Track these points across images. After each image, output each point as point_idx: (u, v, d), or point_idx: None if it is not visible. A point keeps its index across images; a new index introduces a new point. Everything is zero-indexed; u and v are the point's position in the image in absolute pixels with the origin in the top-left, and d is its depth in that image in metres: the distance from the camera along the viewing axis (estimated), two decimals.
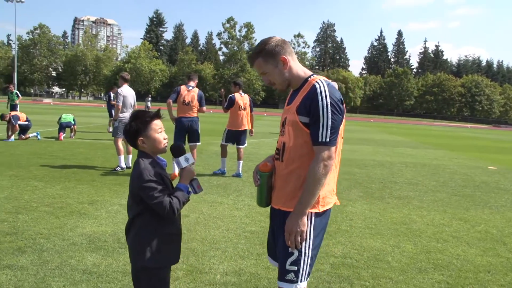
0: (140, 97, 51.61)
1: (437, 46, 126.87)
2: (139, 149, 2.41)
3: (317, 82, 2.29)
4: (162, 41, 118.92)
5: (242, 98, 9.20)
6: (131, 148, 9.26)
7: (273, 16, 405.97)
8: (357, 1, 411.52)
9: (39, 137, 14.02)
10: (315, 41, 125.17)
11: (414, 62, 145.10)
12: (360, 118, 70.38)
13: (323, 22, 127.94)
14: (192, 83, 8.89)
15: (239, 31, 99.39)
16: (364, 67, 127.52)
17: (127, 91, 8.78)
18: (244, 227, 5.38)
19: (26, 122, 13.81)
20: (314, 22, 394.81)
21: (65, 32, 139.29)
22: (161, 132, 2.41)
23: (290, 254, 2.28)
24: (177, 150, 2.47)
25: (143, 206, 2.30)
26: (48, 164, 9.06)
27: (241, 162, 9.15)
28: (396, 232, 5.53)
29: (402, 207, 6.94)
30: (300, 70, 2.42)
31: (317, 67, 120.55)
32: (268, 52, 2.35)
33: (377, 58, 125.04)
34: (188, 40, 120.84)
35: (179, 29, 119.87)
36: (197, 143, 8.87)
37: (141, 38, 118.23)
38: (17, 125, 13.48)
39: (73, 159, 9.91)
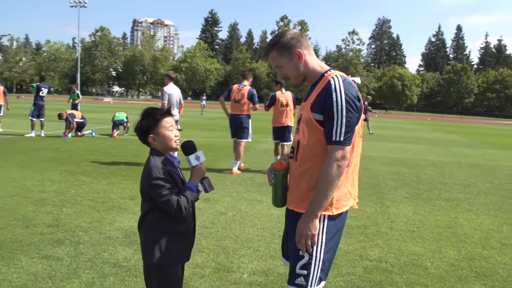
0: (195, 95, 52.63)
1: (499, 41, 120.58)
2: (150, 147, 2.41)
3: (332, 78, 2.19)
4: (217, 40, 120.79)
5: (283, 95, 9.21)
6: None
7: (327, 14, 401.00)
8: None
9: (93, 134, 14.61)
10: (370, 38, 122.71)
11: (475, 57, 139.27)
12: (416, 116, 68.15)
13: (379, 19, 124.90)
14: (246, 82, 9.09)
15: (293, 29, 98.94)
16: (421, 63, 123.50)
17: (172, 89, 8.96)
18: (280, 226, 5.31)
19: (82, 120, 14.43)
20: (369, 18, 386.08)
21: (124, 34, 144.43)
22: (172, 130, 2.40)
23: (301, 258, 2.20)
24: (188, 148, 2.44)
25: (152, 204, 2.30)
26: (98, 160, 9.41)
27: None
28: (439, 236, 5.27)
29: (449, 210, 6.61)
30: (317, 64, 2.33)
31: (372, 64, 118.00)
32: (283, 45, 2.28)
33: (435, 54, 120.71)
34: (242, 39, 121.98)
35: (233, 28, 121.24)
36: (243, 140, 8.94)
37: (197, 38, 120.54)
38: (74, 123, 14.12)
39: (122, 156, 10.24)
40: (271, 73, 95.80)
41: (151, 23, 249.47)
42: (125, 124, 15.59)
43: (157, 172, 2.25)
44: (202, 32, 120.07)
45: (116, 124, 15.16)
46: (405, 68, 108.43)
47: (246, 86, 8.95)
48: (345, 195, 2.27)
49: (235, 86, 9.05)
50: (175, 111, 8.97)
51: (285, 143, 9.21)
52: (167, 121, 2.39)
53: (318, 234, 2.20)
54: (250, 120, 9.06)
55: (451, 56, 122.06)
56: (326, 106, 2.13)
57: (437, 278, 4.00)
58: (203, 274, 3.76)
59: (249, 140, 9.17)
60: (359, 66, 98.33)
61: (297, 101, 8.69)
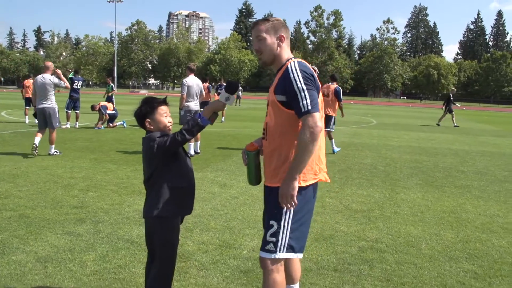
0: None
1: None
2: (146, 130, 2.76)
3: (290, 63, 2.49)
4: None
5: (327, 87, 10.49)
6: (199, 135, 9.85)
7: (361, 3, 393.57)
8: None
9: (125, 125, 15.26)
10: (406, 27, 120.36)
11: None
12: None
13: (415, 6, 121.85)
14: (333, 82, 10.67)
15: (327, 19, 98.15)
16: (458, 52, 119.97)
17: (192, 81, 9.34)
18: None
19: (113, 112, 15.09)
20: (405, 7, 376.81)
21: (160, 27, 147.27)
22: (166, 116, 2.75)
23: (270, 227, 2.50)
24: (230, 86, 2.69)
25: (154, 167, 2.66)
26: (125, 149, 9.97)
27: (333, 140, 10.83)
28: (441, 220, 5.45)
29: (458, 196, 6.74)
30: (286, 54, 2.62)
31: (407, 53, 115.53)
32: (273, 24, 2.59)
33: (473, 42, 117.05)
34: None
35: None
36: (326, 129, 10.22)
37: (231, 30, 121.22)
38: (106, 114, 14.79)
39: None
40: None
41: (187, 16, 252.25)
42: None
43: (155, 135, 2.65)
44: (236, 24, 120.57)
45: None
46: (442, 56, 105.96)
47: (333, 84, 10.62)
48: (312, 169, 2.55)
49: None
50: (195, 102, 9.37)
51: (327, 129, 10.32)
52: (162, 109, 2.74)
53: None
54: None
55: (490, 43, 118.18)
56: (287, 87, 2.42)
57: (428, 258, 4.21)
58: (206, 250, 4.12)
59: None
60: (394, 55, 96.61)
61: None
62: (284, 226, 2.49)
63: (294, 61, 2.50)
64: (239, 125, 17.99)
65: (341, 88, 10.68)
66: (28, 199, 5.63)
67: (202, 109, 16.82)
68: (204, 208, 5.49)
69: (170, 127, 2.79)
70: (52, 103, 9.09)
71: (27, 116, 16.20)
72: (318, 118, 2.37)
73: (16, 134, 12.49)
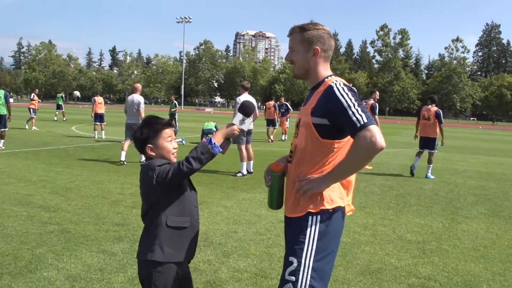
0: (294, 106, 53.62)
1: None
2: (146, 156, 2.40)
3: (333, 82, 2.22)
4: None
5: (427, 110, 10.43)
6: (252, 154, 9.70)
7: (429, 21, 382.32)
8: None
9: (184, 142, 15.47)
10: (477, 45, 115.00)
11: None
12: None
13: (487, 24, 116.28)
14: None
15: (393, 38, 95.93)
16: None
17: (245, 99, 9.20)
18: None
19: (173, 129, 15.35)
20: (476, 25, 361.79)
21: (227, 46, 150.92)
22: (170, 141, 2.39)
23: (289, 264, 2.20)
24: (246, 108, 2.43)
25: (151, 202, 2.30)
26: None
27: (431, 165, 10.57)
28: (507, 258, 4.86)
29: None
30: (324, 70, 2.35)
31: (478, 73, 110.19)
32: (308, 36, 2.33)
33: None
34: (342, 49, 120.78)
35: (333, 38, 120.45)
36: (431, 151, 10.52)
37: None
38: None
39: None
40: (370, 83, 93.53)
41: (253, 36, 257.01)
42: (214, 133, 16.27)
43: (155, 163, 2.27)
44: None
45: (205, 133, 15.92)
46: None
47: None
48: (338, 195, 2.26)
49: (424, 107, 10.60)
50: (248, 121, 9.20)
51: (431, 151, 10.42)
52: (167, 132, 2.38)
53: (309, 239, 2.18)
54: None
55: None
56: (333, 107, 2.14)
57: None
58: (239, 278, 3.88)
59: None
60: (464, 75, 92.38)
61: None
62: (305, 264, 2.17)
63: (338, 81, 2.23)
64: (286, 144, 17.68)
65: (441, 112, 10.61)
66: (74, 213, 5.69)
67: (268, 127, 16.55)
68: (247, 232, 5.27)
69: (175, 154, 2.42)
70: (138, 120, 10.26)
71: (96, 132, 16.88)
72: (378, 132, 2.04)
73: (79, 148, 13.00)
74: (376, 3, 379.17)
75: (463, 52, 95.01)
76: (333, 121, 2.16)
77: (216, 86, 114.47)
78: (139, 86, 11.05)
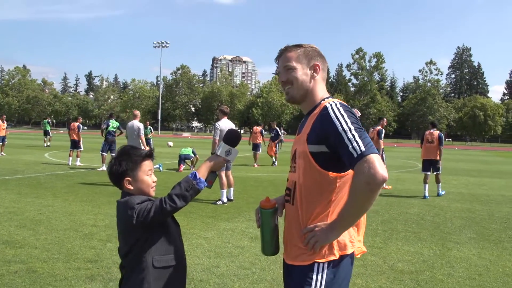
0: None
1: None
2: (123, 190, 2.17)
3: (329, 103, 1.96)
4: None
5: (430, 133, 11.07)
6: (232, 181, 9.37)
7: (403, 44, 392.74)
8: (495, 22, 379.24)
9: (161, 168, 15.04)
10: (449, 68, 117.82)
11: None
12: (501, 148, 63.31)
13: (458, 47, 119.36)
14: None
15: (369, 61, 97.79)
16: (505, 92, 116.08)
17: (225, 124, 8.94)
18: None
19: None
20: (448, 48, 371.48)
21: (204, 71, 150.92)
22: (150, 174, 2.19)
23: None
24: (231, 137, 2.19)
25: (134, 240, 2.07)
26: (157, 195, 9.57)
27: (440, 184, 11.31)
28: (505, 286, 4.64)
29: None
30: (322, 91, 2.10)
31: (452, 94, 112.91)
32: (306, 51, 2.08)
33: None
34: None
35: None
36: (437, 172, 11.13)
37: (273, 73, 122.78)
38: None
39: None
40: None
41: (230, 60, 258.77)
42: (192, 159, 15.90)
43: (134, 201, 2.05)
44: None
45: (182, 159, 15.53)
46: (488, 97, 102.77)
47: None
48: (351, 235, 1.99)
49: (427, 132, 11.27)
50: (234, 151, 8.90)
51: (437, 172, 10.97)
52: (147, 165, 2.18)
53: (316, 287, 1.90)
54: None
55: None
56: (328, 131, 1.87)
57: None
58: None
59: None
60: (438, 97, 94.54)
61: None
62: None
63: (334, 102, 1.96)
64: (277, 169, 17.43)
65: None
66: (42, 249, 5.25)
67: (254, 151, 16.44)
68: (230, 266, 4.93)
69: (154, 188, 2.22)
70: (138, 144, 10.62)
71: (70, 158, 16.30)
72: (378, 162, 1.76)
73: (52, 176, 12.45)
74: (351, 27, 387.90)
75: (436, 75, 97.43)
76: (331, 147, 1.89)
77: (194, 110, 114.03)
78: (138, 113, 11.93)
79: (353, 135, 1.82)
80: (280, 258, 5.21)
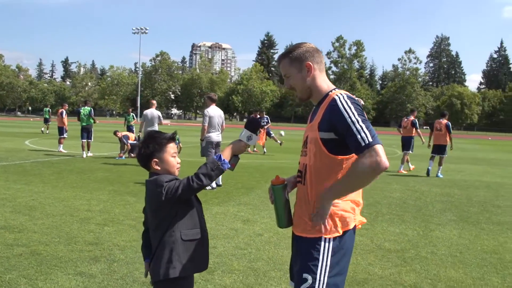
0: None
1: None
2: (151, 171, 2.38)
3: (337, 95, 2.19)
4: (273, 63, 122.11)
5: (439, 122, 12.91)
6: None
7: (383, 33, 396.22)
8: (473, 12, 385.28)
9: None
10: (428, 57, 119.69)
11: None
12: (477, 136, 65.01)
13: (437, 36, 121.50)
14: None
15: (349, 49, 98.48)
16: (482, 81, 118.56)
17: (213, 111, 9.10)
18: None
19: (135, 141, 14.99)
20: (427, 37, 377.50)
21: (184, 58, 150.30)
22: (175, 156, 2.39)
23: (304, 281, 2.15)
24: (252, 124, 2.43)
25: (161, 217, 2.27)
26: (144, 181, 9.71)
27: (441, 167, 13.20)
28: (483, 262, 4.98)
29: (498, 234, 6.25)
30: (324, 83, 2.32)
31: (430, 83, 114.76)
32: (295, 56, 2.29)
33: (496, 71, 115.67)
34: None
35: None
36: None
37: (253, 61, 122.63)
38: (128, 144, 14.71)
39: None
40: None
41: (209, 47, 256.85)
42: (177, 145, 15.98)
43: (163, 179, 2.26)
44: (259, 55, 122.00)
45: None
46: (465, 86, 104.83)
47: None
48: (353, 209, 2.24)
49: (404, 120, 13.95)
50: (217, 132, 9.10)
51: (442, 155, 12.89)
52: (172, 147, 2.38)
53: (323, 255, 2.15)
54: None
55: None
56: (337, 122, 2.10)
57: None
58: None
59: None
60: (416, 85, 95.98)
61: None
62: (320, 280, 2.14)
63: (342, 94, 2.19)
64: (261, 156, 17.69)
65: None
66: (42, 233, 5.38)
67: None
68: (226, 247, 5.15)
69: (179, 168, 2.42)
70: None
71: (61, 145, 16.20)
72: (382, 152, 2.00)
73: (37, 163, 12.43)
74: (331, 15, 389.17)
75: (415, 63, 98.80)
76: (339, 135, 2.13)
77: (173, 97, 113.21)
78: (154, 101, 13.50)
79: (361, 126, 2.05)
80: (273, 239, 5.49)
